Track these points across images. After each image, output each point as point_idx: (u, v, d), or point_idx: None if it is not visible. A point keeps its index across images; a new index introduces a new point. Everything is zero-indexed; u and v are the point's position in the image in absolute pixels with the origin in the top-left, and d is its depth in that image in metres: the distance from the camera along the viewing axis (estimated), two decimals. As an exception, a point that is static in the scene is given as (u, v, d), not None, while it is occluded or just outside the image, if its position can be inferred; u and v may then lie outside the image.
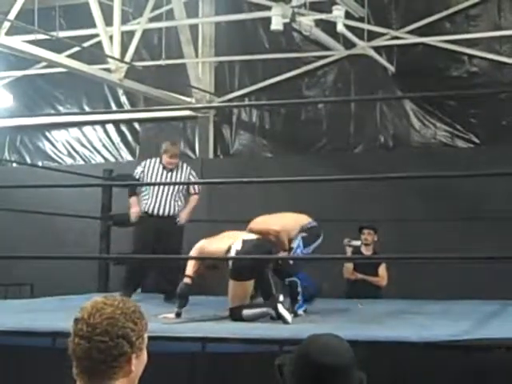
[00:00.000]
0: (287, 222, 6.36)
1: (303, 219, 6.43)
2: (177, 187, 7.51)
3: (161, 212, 7.40)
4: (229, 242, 5.92)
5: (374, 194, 8.87)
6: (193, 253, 6.07)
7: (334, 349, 2.16)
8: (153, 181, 7.47)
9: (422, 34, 9.82)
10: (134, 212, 7.46)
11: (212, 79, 11.00)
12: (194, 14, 10.63)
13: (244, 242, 5.88)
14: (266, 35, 10.55)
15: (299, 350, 2.20)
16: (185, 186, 7.58)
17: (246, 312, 5.74)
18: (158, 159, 7.60)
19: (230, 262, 5.81)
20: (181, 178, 7.52)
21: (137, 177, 7.49)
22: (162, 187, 7.47)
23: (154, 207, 7.41)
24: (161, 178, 7.47)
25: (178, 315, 5.86)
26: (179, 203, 7.51)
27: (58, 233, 10.41)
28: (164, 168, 7.50)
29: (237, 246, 5.84)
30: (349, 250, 8.14)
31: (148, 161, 7.68)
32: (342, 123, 10.23)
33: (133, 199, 7.53)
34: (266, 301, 5.91)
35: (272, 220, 6.40)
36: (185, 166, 7.65)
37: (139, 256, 7.26)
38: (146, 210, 7.43)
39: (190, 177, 7.60)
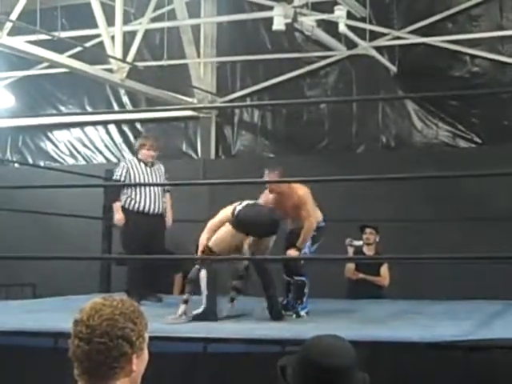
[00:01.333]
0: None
1: (318, 215, 6.38)
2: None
3: (153, 210, 7.43)
4: (233, 206, 6.04)
5: (376, 194, 8.86)
6: (205, 234, 6.06)
7: (336, 350, 2.16)
8: (140, 179, 7.47)
9: (423, 34, 9.81)
10: (120, 219, 7.45)
11: (214, 79, 11.00)
12: (195, 14, 10.63)
13: (248, 204, 6.02)
14: (267, 35, 10.54)
15: (301, 351, 2.20)
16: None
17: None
18: (135, 158, 7.66)
19: (236, 213, 5.94)
20: (160, 173, 7.60)
21: (122, 178, 7.46)
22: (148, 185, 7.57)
23: (147, 205, 7.41)
24: (146, 175, 7.49)
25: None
26: (164, 200, 7.58)
27: (60, 233, 10.42)
28: (145, 165, 7.53)
29: (240, 206, 5.98)
30: (350, 251, 8.13)
31: (127, 160, 7.78)
32: (344, 123, 10.22)
33: (117, 205, 7.52)
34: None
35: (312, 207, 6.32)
36: (157, 161, 7.70)
37: (143, 257, 7.25)
38: (141, 209, 7.41)
39: (166, 174, 7.70)
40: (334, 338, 2.23)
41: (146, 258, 7.19)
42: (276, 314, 5.84)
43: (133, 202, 7.39)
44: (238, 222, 5.89)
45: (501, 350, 4.07)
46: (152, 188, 7.49)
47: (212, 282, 5.78)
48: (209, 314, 5.63)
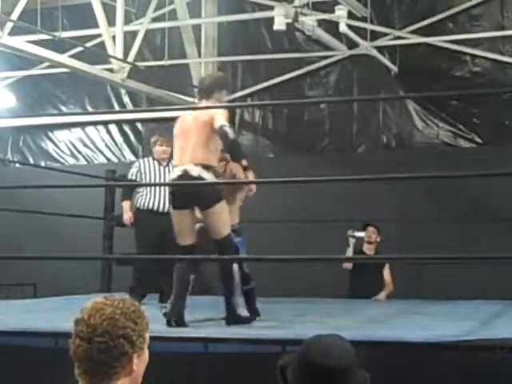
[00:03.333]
0: None
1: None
2: None
3: (162, 208, 7.42)
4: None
5: (377, 194, 8.86)
6: None
7: (335, 350, 2.15)
8: (151, 178, 7.48)
9: (424, 34, 9.81)
10: (128, 218, 7.48)
11: (215, 79, 10.98)
12: (196, 14, 10.63)
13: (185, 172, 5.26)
14: (268, 35, 10.55)
15: (300, 350, 2.20)
16: None
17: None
18: (150, 157, 7.68)
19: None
20: None
21: (133, 177, 7.50)
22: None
23: (157, 203, 7.42)
24: (157, 174, 7.51)
25: None
26: None
27: (61, 233, 10.42)
28: (159, 164, 7.56)
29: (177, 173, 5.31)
30: (352, 242, 8.13)
31: (141, 160, 7.82)
32: (345, 123, 10.22)
33: (126, 203, 7.54)
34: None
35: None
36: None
37: (142, 256, 7.25)
38: (151, 207, 7.42)
39: None
40: (334, 338, 2.22)
41: (147, 257, 7.19)
42: (230, 318, 5.30)
43: (144, 200, 7.42)
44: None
45: (501, 350, 4.07)
46: (162, 187, 7.50)
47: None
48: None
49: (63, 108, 11.75)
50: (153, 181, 7.49)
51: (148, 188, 7.46)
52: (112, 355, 2.01)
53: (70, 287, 8.73)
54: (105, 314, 2.03)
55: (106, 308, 2.05)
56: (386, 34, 9.97)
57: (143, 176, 7.47)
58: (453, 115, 9.74)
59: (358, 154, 10.15)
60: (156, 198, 7.42)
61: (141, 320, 2.09)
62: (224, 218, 5.30)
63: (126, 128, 11.52)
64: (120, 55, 9.16)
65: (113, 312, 2.04)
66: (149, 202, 7.41)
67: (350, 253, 8.16)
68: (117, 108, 11.48)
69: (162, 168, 7.52)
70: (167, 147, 7.55)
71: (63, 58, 9.08)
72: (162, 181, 7.48)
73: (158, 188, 7.45)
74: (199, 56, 10.72)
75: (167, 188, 7.40)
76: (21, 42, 8.49)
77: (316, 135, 10.36)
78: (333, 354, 2.13)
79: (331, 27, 9.11)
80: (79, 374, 2.04)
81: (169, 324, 5.19)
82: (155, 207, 7.41)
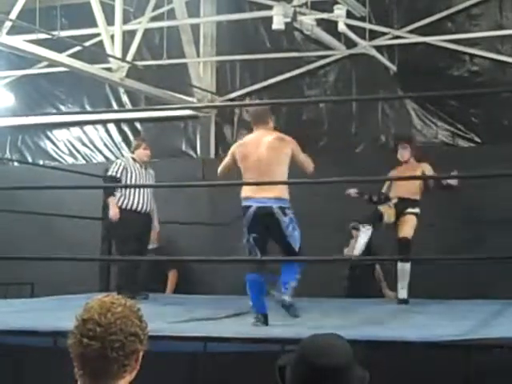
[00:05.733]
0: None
1: None
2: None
3: (145, 209, 7.62)
4: None
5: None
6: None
7: (331, 349, 2.13)
8: (137, 178, 7.58)
9: (423, 34, 9.81)
10: (115, 214, 7.51)
11: (213, 79, 10.99)
12: (195, 13, 10.63)
13: None
14: (267, 35, 10.54)
15: (298, 350, 2.19)
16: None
17: None
18: (130, 159, 7.80)
19: None
20: (151, 177, 7.88)
21: (119, 175, 7.59)
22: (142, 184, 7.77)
23: (140, 204, 7.57)
24: (141, 175, 7.68)
25: None
26: (153, 201, 7.79)
27: (59, 232, 10.41)
28: (140, 166, 7.76)
29: None
30: (355, 233, 8.07)
31: (124, 159, 8.03)
32: (344, 123, 10.21)
33: (112, 199, 7.60)
34: None
35: None
36: (149, 166, 7.98)
37: (143, 257, 7.27)
38: (134, 207, 7.55)
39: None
40: (331, 337, 2.21)
41: (150, 259, 7.19)
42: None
43: (126, 200, 7.53)
44: None
45: (500, 349, 4.07)
46: (145, 188, 7.64)
47: None
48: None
49: (62, 107, 11.74)
50: (137, 180, 7.60)
51: (132, 188, 7.58)
52: (125, 353, 2.01)
53: (68, 287, 8.73)
54: (117, 313, 2.03)
55: (115, 306, 2.05)
56: (384, 34, 9.96)
57: (128, 175, 7.58)
58: (451, 115, 9.74)
59: (356, 154, 10.14)
60: (138, 198, 7.54)
61: (143, 318, 2.11)
62: None
63: (125, 127, 11.52)
64: (119, 54, 9.16)
65: (123, 311, 2.04)
66: (132, 202, 7.53)
67: (359, 244, 7.99)
68: (115, 107, 11.48)
69: (143, 170, 7.71)
70: (149, 151, 7.80)
71: (62, 58, 9.07)
72: (144, 181, 7.68)
73: (143, 189, 7.59)
74: (198, 55, 10.71)
75: (147, 190, 7.59)
76: (19, 42, 8.49)
77: (314, 135, 10.34)
78: (331, 353, 2.12)
79: (330, 27, 9.10)
80: (82, 375, 2.02)
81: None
82: (138, 208, 7.55)
